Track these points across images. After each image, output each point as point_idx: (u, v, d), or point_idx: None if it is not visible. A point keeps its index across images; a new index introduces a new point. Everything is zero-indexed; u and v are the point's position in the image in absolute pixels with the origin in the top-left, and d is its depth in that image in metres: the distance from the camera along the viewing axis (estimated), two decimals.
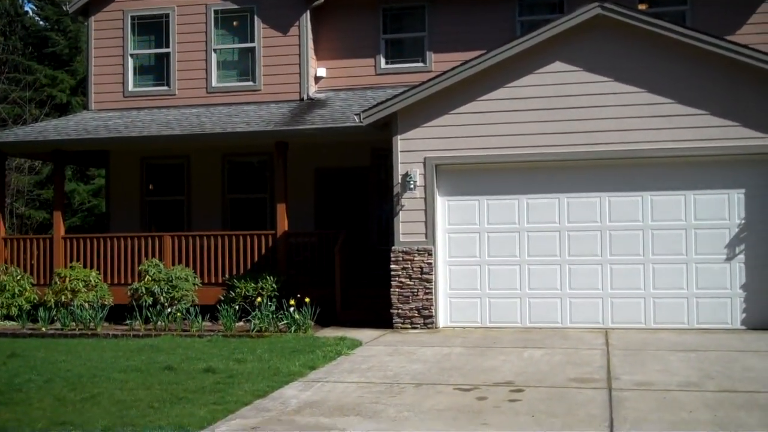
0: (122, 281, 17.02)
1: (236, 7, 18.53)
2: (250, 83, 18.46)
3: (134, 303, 15.97)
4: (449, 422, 7.92)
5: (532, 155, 14.06)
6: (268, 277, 15.66)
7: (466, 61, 14.18)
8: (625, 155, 13.76)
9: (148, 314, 15.58)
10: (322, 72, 18.40)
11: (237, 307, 15.44)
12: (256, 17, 18.38)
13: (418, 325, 14.32)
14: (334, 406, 8.69)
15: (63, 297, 16.23)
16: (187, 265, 16.73)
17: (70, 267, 16.88)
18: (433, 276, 14.33)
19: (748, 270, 13.53)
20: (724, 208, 13.63)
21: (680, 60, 13.60)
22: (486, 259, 14.41)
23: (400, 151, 14.54)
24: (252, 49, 18.47)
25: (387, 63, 18.27)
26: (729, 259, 13.60)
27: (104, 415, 8.41)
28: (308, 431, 7.67)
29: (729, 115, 13.39)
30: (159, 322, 15.37)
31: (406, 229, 14.48)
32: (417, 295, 14.35)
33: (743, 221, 13.55)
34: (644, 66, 13.71)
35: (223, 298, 16.01)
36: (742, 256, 13.56)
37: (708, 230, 13.67)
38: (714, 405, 8.38)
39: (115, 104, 19.09)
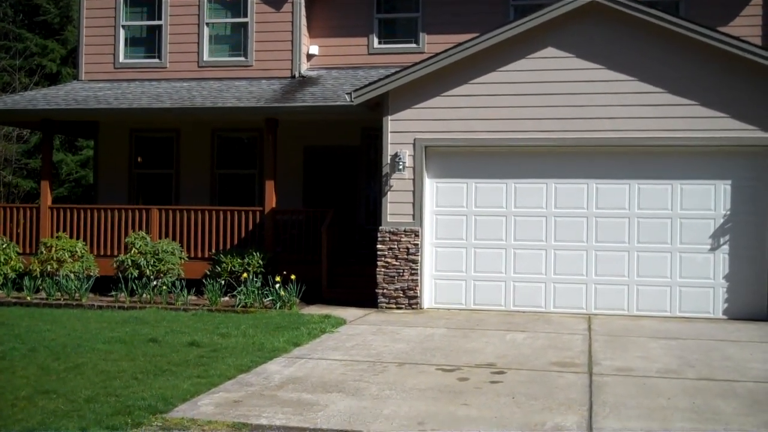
0: (108, 253, 17.02)
1: None
2: (242, 59, 18.39)
3: (120, 275, 15.97)
4: (430, 401, 8.00)
5: (522, 140, 14.10)
6: (254, 254, 15.68)
7: (459, 44, 14.18)
8: (615, 143, 13.81)
9: (134, 286, 15.59)
10: (314, 50, 18.35)
11: (223, 282, 15.47)
12: None
13: (403, 306, 14.39)
14: (317, 382, 8.75)
15: (49, 267, 16.21)
16: (174, 238, 16.73)
17: (57, 237, 16.85)
18: (420, 257, 14.39)
19: (732, 261, 13.64)
20: (710, 198, 13.72)
21: (672, 50, 13.64)
22: (472, 241, 14.47)
23: (390, 132, 14.55)
24: (245, 24, 18.39)
25: (380, 43, 18.23)
26: (713, 249, 13.71)
27: (88, 385, 8.45)
28: (291, 407, 7.73)
29: (718, 107, 13.46)
30: (144, 295, 15.37)
31: (394, 209, 14.51)
32: (403, 276, 14.41)
33: (728, 212, 13.65)
34: (636, 54, 13.74)
35: (209, 273, 16.03)
36: (726, 247, 13.67)
37: (693, 220, 13.77)
38: (692, 392, 8.48)
39: (105, 75, 19.00)
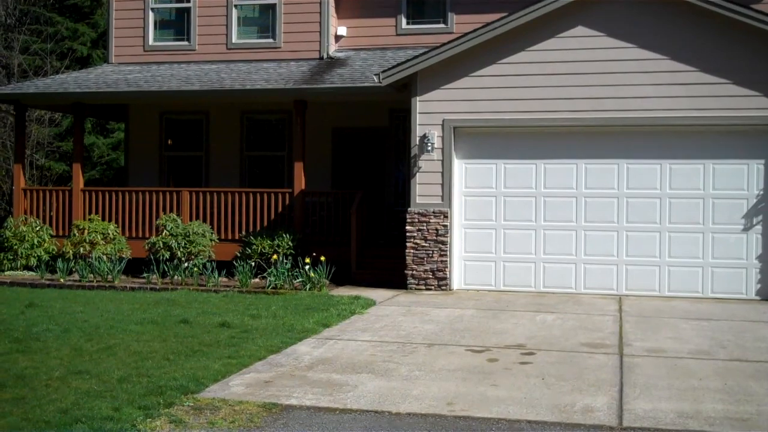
0: (140, 235, 17.17)
1: None
2: (270, 40, 18.40)
3: (152, 257, 16.11)
4: (460, 382, 8.01)
5: (551, 120, 14.00)
6: (284, 235, 15.74)
7: (488, 24, 14.08)
8: (646, 122, 13.68)
9: (165, 268, 15.71)
10: (342, 31, 18.30)
11: (253, 263, 15.56)
12: None
13: (432, 287, 14.39)
14: (347, 363, 8.79)
15: (81, 249, 16.39)
16: (204, 220, 16.84)
17: (89, 219, 17.02)
18: (449, 238, 14.37)
19: (765, 241, 13.49)
20: (743, 178, 13.56)
21: (703, 28, 13.45)
22: (501, 222, 14.42)
23: (419, 113, 14.51)
24: (273, 6, 18.38)
25: (408, 23, 18.13)
26: (746, 229, 13.56)
27: (120, 366, 8.55)
28: (320, 387, 7.78)
29: (750, 85, 13.27)
30: (176, 277, 15.50)
31: (423, 190, 14.49)
32: (432, 257, 14.40)
33: (761, 192, 13.48)
34: (667, 33, 13.57)
35: (239, 255, 16.12)
36: (759, 227, 13.51)
37: (725, 200, 13.62)
38: (724, 373, 8.42)
39: (135, 58, 19.10)
